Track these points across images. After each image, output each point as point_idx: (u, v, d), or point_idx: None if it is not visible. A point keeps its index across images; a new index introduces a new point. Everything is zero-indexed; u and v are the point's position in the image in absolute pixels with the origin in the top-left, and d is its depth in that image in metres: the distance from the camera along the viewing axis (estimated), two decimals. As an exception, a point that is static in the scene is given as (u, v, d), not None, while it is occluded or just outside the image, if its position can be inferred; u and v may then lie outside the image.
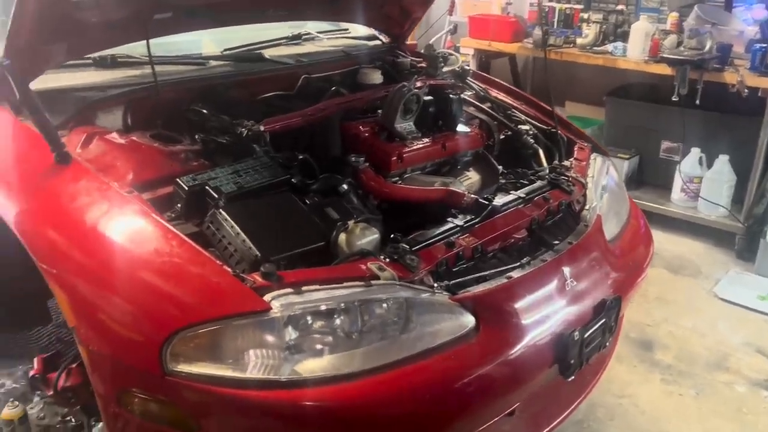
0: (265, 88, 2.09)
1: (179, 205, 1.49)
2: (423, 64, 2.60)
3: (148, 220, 1.35)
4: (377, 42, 2.67)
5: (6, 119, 1.64)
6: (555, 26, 4.45)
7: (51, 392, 1.59)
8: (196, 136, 1.68)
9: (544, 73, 2.18)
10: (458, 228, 1.61)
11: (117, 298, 1.28)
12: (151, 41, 1.86)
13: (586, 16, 4.17)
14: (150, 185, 1.50)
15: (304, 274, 1.34)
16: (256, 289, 1.26)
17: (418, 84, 2.04)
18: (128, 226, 1.36)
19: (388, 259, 1.44)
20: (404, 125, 1.96)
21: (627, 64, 3.71)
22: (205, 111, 1.77)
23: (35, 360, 1.65)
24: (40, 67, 1.64)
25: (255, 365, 1.24)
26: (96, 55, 1.88)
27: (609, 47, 3.83)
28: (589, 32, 3.92)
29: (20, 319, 2.00)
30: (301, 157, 1.71)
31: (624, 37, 3.90)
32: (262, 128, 1.68)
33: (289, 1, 2.11)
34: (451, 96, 2.08)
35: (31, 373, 1.63)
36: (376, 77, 2.32)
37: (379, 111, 2.02)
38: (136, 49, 1.97)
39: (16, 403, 2.01)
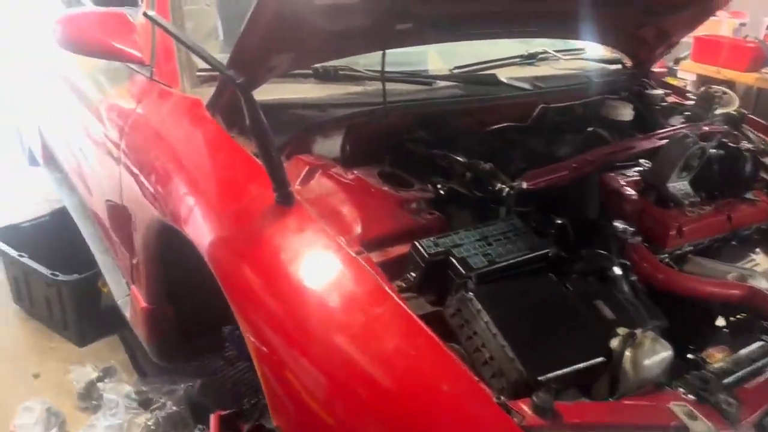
0: (495, 117, 1.73)
1: (413, 273, 1.17)
2: (673, 98, 2.13)
3: (388, 303, 1.04)
4: (617, 66, 2.22)
5: (213, 132, 1.42)
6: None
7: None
8: (439, 185, 1.35)
9: None
10: None
11: (339, 407, 0.97)
12: (378, 54, 1.57)
13: None
14: (380, 243, 1.20)
15: (585, 412, 0.96)
16: (528, 429, 0.90)
17: (701, 132, 1.59)
18: (361, 306, 1.05)
19: (692, 396, 1.03)
20: (679, 185, 1.51)
21: None
22: (447, 153, 1.44)
23: (211, 419, 1.43)
24: (259, 80, 1.40)
25: None
26: (319, 65, 1.61)
27: None
28: None
29: (195, 348, 1.81)
30: (559, 221, 1.33)
31: None
32: (524, 185, 1.31)
33: (543, 16, 1.72)
34: (743, 152, 1.59)
35: (209, 439, 1.41)
36: (626, 113, 1.88)
37: (642, 161, 1.59)
38: (357, 61, 1.70)
39: (180, 438, 1.84)
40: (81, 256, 2.33)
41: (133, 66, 1.72)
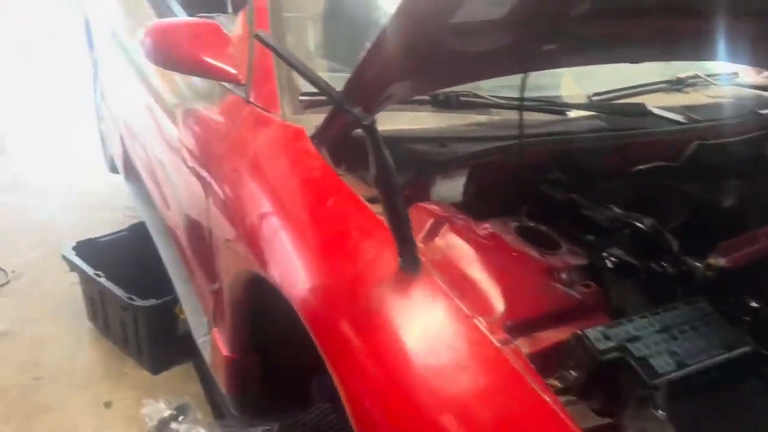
0: (642, 154, 1.44)
1: (573, 372, 0.91)
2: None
3: (545, 412, 0.80)
4: (769, 93, 1.88)
5: (320, 170, 1.20)
6: None
7: None
8: (605, 254, 1.08)
9: None
10: None
11: None
12: (503, 80, 1.34)
13: None
14: (528, 326, 0.95)
15: None
16: None
17: None
18: (511, 415, 0.81)
19: None
20: None
21: None
22: (595, 201, 1.18)
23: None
24: (375, 110, 1.17)
25: None
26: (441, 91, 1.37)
27: None
28: None
29: (280, 404, 1.61)
30: (753, 304, 1.04)
31: None
32: (722, 262, 1.03)
33: (710, 36, 1.42)
34: None
35: None
36: (797, 152, 1.55)
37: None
38: (478, 85, 1.45)
39: (256, 498, 1.65)
40: (160, 275, 2.19)
41: (226, 84, 1.54)
